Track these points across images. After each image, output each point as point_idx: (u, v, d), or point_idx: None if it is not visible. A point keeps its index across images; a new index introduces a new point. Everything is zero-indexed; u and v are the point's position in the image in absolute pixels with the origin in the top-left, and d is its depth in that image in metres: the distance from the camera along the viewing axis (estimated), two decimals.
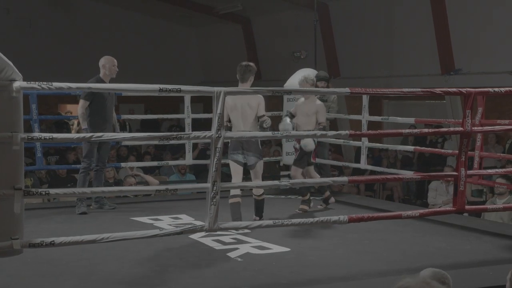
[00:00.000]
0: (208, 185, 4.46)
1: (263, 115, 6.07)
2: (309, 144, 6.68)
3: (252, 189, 6.27)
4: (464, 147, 5.27)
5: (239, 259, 5.04)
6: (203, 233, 5.50)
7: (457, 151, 5.49)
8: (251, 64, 6.14)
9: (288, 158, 8.64)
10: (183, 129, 10.72)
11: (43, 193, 4.19)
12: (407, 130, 6.56)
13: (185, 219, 6.61)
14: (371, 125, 8.27)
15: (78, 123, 11.62)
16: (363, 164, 8.05)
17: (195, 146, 10.39)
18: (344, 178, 5.74)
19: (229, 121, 6.15)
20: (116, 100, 7.15)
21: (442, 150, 9.51)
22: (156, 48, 18.61)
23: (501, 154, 9.10)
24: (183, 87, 4.46)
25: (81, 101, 6.81)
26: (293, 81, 8.03)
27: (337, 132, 5.45)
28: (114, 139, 5.91)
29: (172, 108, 15.70)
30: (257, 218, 6.20)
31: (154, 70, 17.33)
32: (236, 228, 5.62)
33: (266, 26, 16.41)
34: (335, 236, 5.85)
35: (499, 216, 7.39)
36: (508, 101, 11.28)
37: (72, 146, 10.81)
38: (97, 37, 17.12)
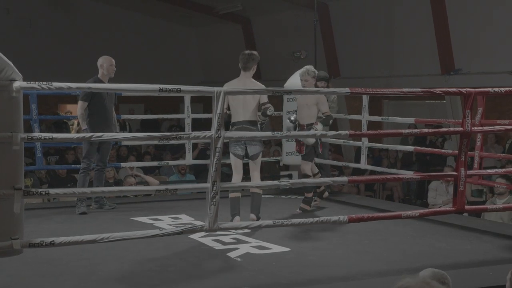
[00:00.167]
0: (208, 185, 4.46)
1: (266, 102, 6.04)
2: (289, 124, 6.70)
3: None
4: (464, 147, 5.27)
5: (239, 259, 5.04)
6: (203, 233, 5.50)
7: (457, 151, 5.49)
8: (255, 52, 6.10)
9: (288, 158, 8.64)
10: (183, 129, 10.72)
11: (43, 193, 4.19)
12: (407, 130, 6.57)
13: (185, 219, 6.61)
14: (371, 125, 8.27)
15: (78, 123, 11.61)
16: (363, 164, 8.04)
17: (195, 146, 10.39)
18: (344, 178, 5.73)
19: (228, 108, 6.11)
20: (116, 99, 7.15)
21: (442, 150, 9.51)
22: (156, 48, 18.60)
23: (501, 154, 9.10)
24: (183, 87, 4.46)
25: (80, 102, 6.80)
26: (293, 81, 8.03)
27: (337, 132, 5.45)
28: (114, 139, 5.91)
29: (172, 108, 15.70)
30: (254, 217, 6.12)
31: (154, 70, 17.33)
32: (236, 228, 5.63)
33: (266, 26, 16.41)
34: (335, 236, 5.85)
35: (499, 216, 7.39)
36: (508, 101, 11.29)
37: (72, 146, 10.81)
38: (97, 37, 17.11)
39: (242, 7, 15.36)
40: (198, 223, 5.17)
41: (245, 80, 6.07)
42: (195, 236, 5.62)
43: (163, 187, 4.89)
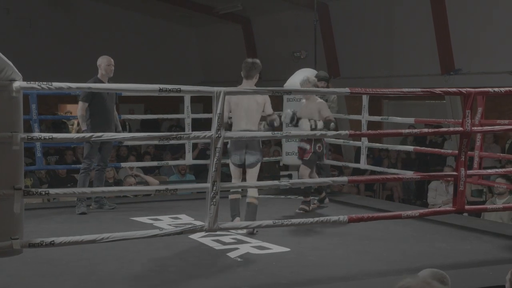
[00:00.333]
0: (208, 185, 4.45)
1: (273, 113, 5.97)
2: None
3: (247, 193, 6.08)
4: (464, 147, 5.27)
5: (239, 259, 5.04)
6: (203, 233, 5.50)
7: (456, 151, 5.49)
8: (257, 61, 5.99)
9: (288, 158, 8.64)
10: (183, 129, 10.72)
11: (43, 193, 4.19)
12: (407, 130, 6.56)
13: (185, 219, 6.61)
14: (371, 125, 8.27)
15: (78, 123, 11.61)
16: (363, 164, 8.05)
17: (195, 146, 10.39)
18: (344, 178, 5.74)
19: (229, 118, 6.04)
20: (117, 99, 7.15)
21: (442, 150, 9.51)
22: (156, 48, 18.60)
23: (501, 154, 9.10)
24: (183, 87, 4.46)
25: (80, 103, 6.79)
26: (293, 81, 8.04)
27: (337, 132, 5.46)
28: (114, 139, 5.91)
29: (172, 108, 15.69)
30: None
31: (154, 70, 17.32)
32: (236, 228, 5.63)
33: (266, 26, 16.41)
34: (335, 236, 5.85)
35: (499, 216, 7.39)
36: (508, 101, 11.28)
37: (72, 147, 10.81)
38: (97, 37, 17.11)
39: (242, 7, 15.35)
40: (198, 223, 5.16)
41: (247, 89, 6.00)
42: (195, 236, 5.62)
43: (163, 187, 4.89)
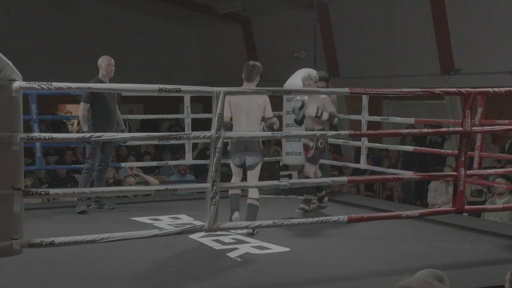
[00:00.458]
0: (208, 185, 4.46)
1: (273, 117, 5.99)
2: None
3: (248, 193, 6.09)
4: (464, 147, 5.27)
5: (239, 259, 5.04)
6: (203, 233, 5.50)
7: (456, 151, 5.49)
8: (258, 64, 6.00)
9: (287, 158, 8.64)
10: (183, 129, 10.71)
11: (43, 193, 4.20)
12: (407, 130, 6.57)
13: (185, 219, 6.61)
14: (371, 125, 8.27)
15: (78, 123, 11.61)
16: (363, 164, 8.05)
17: (194, 146, 10.39)
18: (344, 178, 5.74)
19: (231, 119, 6.05)
20: (119, 98, 7.14)
21: (442, 150, 9.52)
22: (156, 48, 18.60)
23: (501, 154, 9.10)
24: (183, 87, 4.46)
25: (82, 104, 6.79)
26: (293, 81, 8.03)
27: (337, 132, 5.46)
28: (114, 139, 5.91)
29: (172, 108, 15.69)
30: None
31: (154, 70, 17.32)
32: (236, 229, 5.62)
33: (266, 26, 16.41)
34: (335, 236, 5.85)
35: (498, 216, 7.39)
36: (508, 101, 11.28)
37: (72, 146, 10.81)
38: (97, 37, 17.11)
39: (242, 7, 15.35)
40: (198, 223, 5.16)
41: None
42: (195, 236, 5.62)
43: (163, 187, 4.89)
